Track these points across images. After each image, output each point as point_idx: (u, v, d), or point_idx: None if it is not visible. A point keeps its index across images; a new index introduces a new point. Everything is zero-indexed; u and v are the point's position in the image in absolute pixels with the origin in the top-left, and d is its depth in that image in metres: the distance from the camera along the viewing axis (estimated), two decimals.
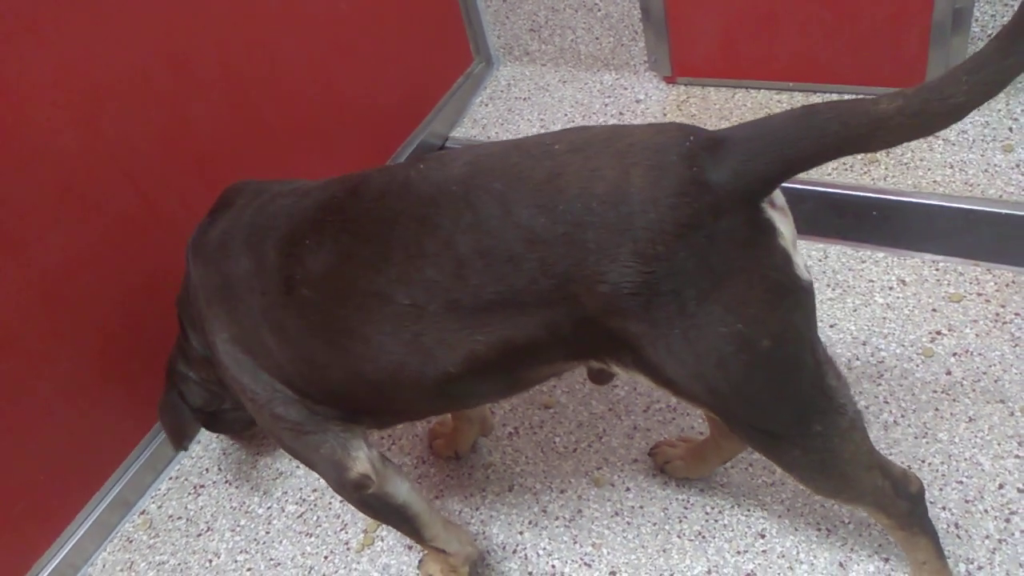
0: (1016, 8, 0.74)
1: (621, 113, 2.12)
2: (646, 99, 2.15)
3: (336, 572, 1.38)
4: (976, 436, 1.29)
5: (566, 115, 2.18)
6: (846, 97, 1.95)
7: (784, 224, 0.89)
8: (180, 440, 1.39)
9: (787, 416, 0.94)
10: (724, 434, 1.24)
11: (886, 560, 1.19)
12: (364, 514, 1.20)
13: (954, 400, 1.34)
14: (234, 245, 1.12)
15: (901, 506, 1.04)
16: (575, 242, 0.87)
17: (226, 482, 1.57)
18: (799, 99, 2.00)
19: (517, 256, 0.90)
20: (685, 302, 0.85)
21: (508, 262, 0.90)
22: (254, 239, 1.10)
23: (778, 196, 0.90)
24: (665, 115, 2.07)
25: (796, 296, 0.89)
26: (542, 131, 2.13)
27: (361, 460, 1.12)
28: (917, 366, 1.40)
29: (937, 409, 1.34)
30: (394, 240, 0.97)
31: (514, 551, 1.33)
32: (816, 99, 1.98)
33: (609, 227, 0.85)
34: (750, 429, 0.96)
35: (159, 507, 1.56)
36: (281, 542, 1.45)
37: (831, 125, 0.81)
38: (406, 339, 0.99)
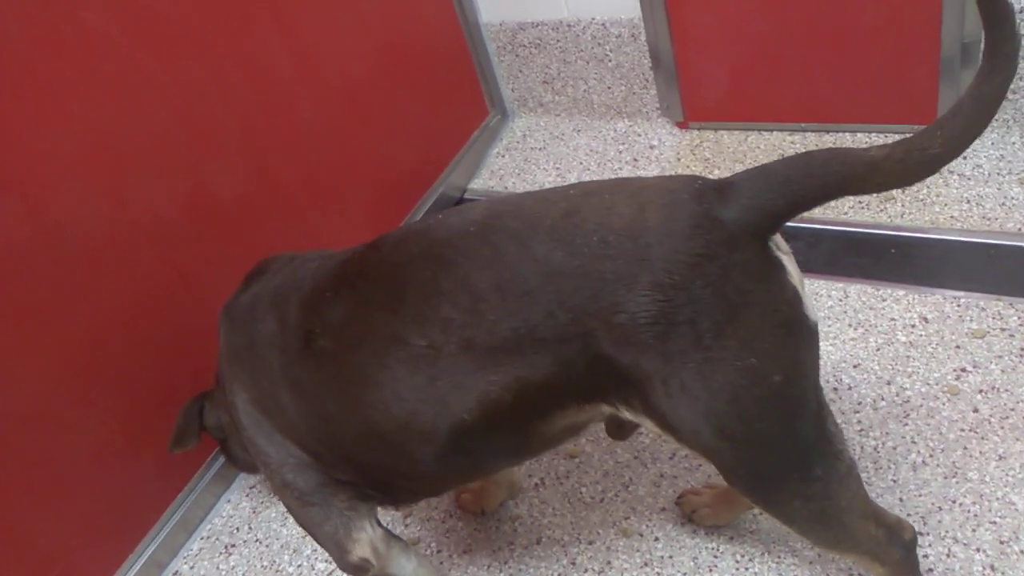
0: (975, 74, 0.81)
1: (635, 159, 2.15)
2: (660, 145, 2.18)
3: None
4: (1007, 474, 1.27)
5: (581, 163, 2.21)
6: (859, 135, 1.97)
7: (791, 264, 0.91)
8: (175, 444, 1.37)
9: (792, 458, 0.94)
10: None
11: None
12: None
13: (983, 438, 1.33)
14: (261, 307, 1.14)
15: (895, 554, 1.04)
16: (592, 274, 0.89)
17: (256, 541, 1.58)
18: (812, 139, 2.02)
19: (534, 289, 0.91)
20: (701, 334, 0.86)
21: (525, 296, 0.91)
22: (280, 300, 1.12)
23: (780, 241, 0.93)
24: (679, 160, 2.09)
25: (805, 334, 0.91)
26: (558, 180, 2.18)
27: (362, 543, 1.13)
28: (943, 404, 1.39)
29: (966, 448, 1.32)
30: (409, 280, 0.99)
31: None
32: (829, 139, 2.00)
33: (627, 258, 0.87)
34: (753, 478, 0.96)
35: (191, 568, 1.58)
36: None
37: (832, 165, 0.85)
38: (420, 384, 0.98)
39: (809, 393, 0.93)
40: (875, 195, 1.78)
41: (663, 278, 0.86)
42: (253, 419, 1.14)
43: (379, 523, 1.17)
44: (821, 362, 1.52)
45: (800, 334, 0.90)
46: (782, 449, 0.93)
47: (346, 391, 1.03)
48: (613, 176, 2.12)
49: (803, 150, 1.97)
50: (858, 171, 0.85)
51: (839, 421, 1.40)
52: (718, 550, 1.31)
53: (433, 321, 0.96)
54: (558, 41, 2.26)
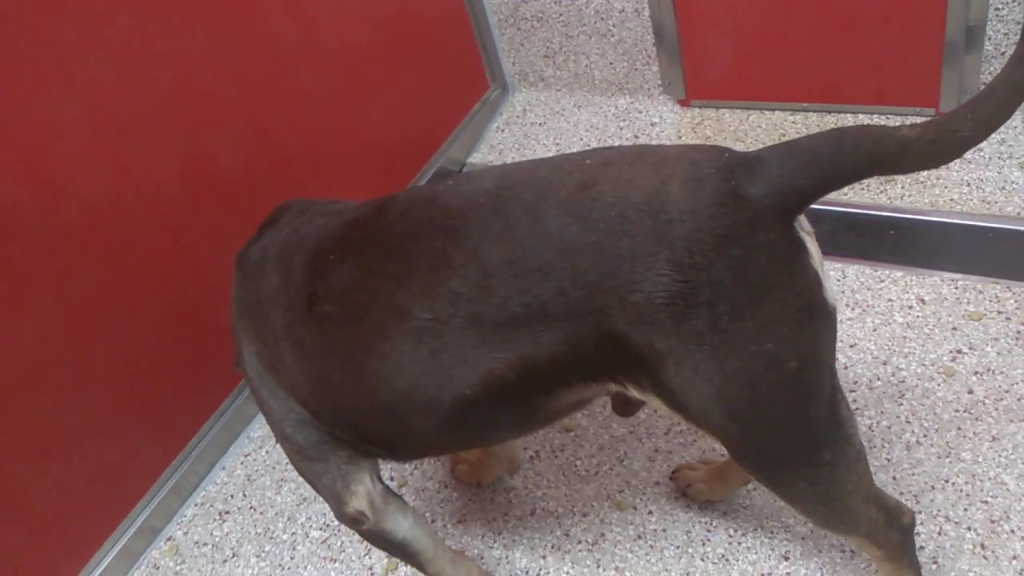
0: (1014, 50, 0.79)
1: (636, 136, 2.14)
2: (660, 122, 2.17)
3: None
4: (1000, 455, 1.28)
5: (581, 139, 2.20)
6: (861, 116, 1.96)
7: (813, 246, 0.89)
8: (236, 363, 1.30)
9: (802, 442, 0.93)
10: None
11: None
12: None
13: (977, 419, 1.34)
14: (268, 262, 1.13)
15: (893, 537, 1.05)
16: (609, 250, 0.86)
17: (251, 508, 1.59)
18: (814, 120, 2.01)
19: (547, 265, 0.89)
20: (719, 316, 0.84)
21: (537, 272, 0.89)
22: (285, 256, 1.11)
23: (804, 221, 0.91)
24: (680, 138, 2.09)
25: (824, 320, 0.89)
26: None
27: (359, 496, 1.13)
28: (938, 385, 1.40)
29: (960, 428, 1.33)
30: (418, 252, 0.96)
31: (537, 575, 1.34)
32: (831, 119, 1.99)
33: (646, 235, 0.84)
34: (760, 458, 0.95)
35: (185, 533, 1.58)
36: (306, 568, 1.46)
37: (864, 143, 0.83)
38: (423, 357, 0.97)
39: (824, 379, 0.91)
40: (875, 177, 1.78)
41: (683, 257, 0.83)
42: (257, 372, 1.13)
43: (379, 479, 1.17)
44: None
45: (819, 319, 0.88)
46: (793, 433, 0.92)
47: (348, 359, 1.02)
48: None
49: (805, 131, 1.98)
50: (891, 150, 0.83)
51: None
52: (711, 524, 1.32)
53: (441, 294, 0.94)
54: (560, 15, 2.24)
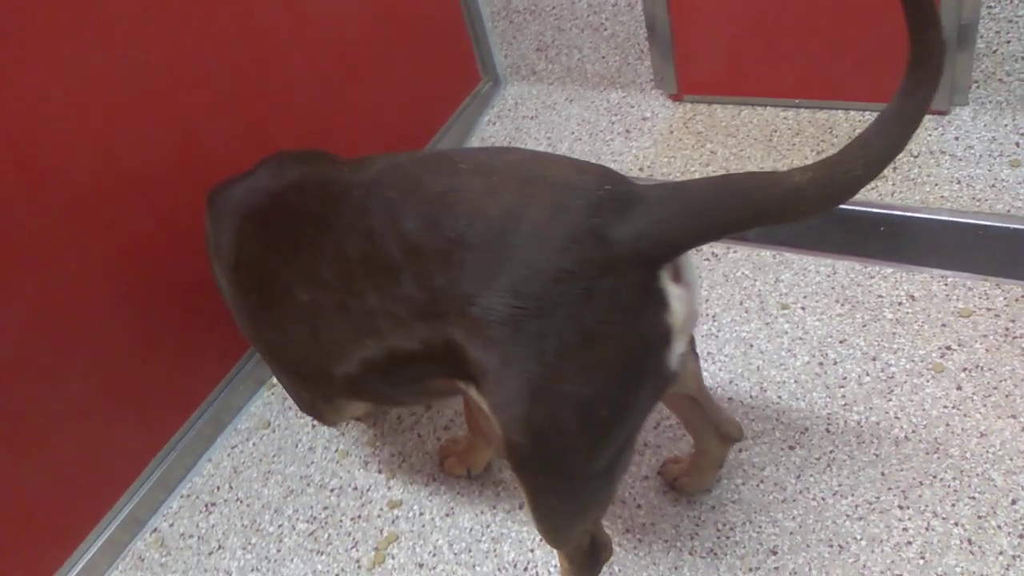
0: (897, 94, 0.79)
1: (628, 131, 2.14)
2: (652, 117, 2.16)
3: None
4: (988, 451, 1.29)
5: (573, 133, 2.20)
6: (852, 113, 1.96)
7: (679, 302, 0.86)
8: None
9: (577, 476, 0.94)
10: (704, 440, 1.27)
11: None
12: None
13: (965, 415, 1.34)
14: (224, 214, 1.23)
15: (587, 562, 1.12)
16: (453, 261, 0.86)
17: (237, 500, 1.58)
18: (805, 116, 2.01)
19: (397, 266, 0.91)
20: (544, 350, 0.82)
21: (388, 270, 0.92)
22: (230, 213, 1.22)
23: (688, 270, 0.89)
24: (672, 132, 2.08)
25: (654, 381, 0.88)
26: (549, 149, 2.16)
27: (306, 402, 1.37)
28: (927, 381, 1.40)
29: (948, 424, 1.33)
30: (301, 236, 1.05)
31: (525, 569, 1.33)
32: (823, 115, 1.99)
33: (489, 253, 0.84)
34: (534, 475, 0.95)
35: (171, 525, 1.57)
36: (292, 560, 1.45)
37: (751, 195, 0.81)
38: (306, 334, 1.06)
39: (627, 433, 0.91)
40: None
41: (520, 284, 0.82)
42: (229, 303, 1.26)
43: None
44: (808, 337, 1.53)
45: (649, 380, 0.87)
46: (575, 466, 0.92)
47: (260, 322, 1.15)
48: (606, 147, 2.11)
49: (797, 127, 1.98)
50: (779, 202, 0.80)
51: (823, 396, 1.42)
52: (700, 519, 1.32)
53: (316, 280, 1.01)
54: (553, 8, 2.23)
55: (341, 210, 0.99)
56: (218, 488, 1.61)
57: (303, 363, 1.10)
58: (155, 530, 1.57)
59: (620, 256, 0.82)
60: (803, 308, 1.57)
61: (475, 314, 0.85)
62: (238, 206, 1.20)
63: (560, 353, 0.82)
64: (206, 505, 1.59)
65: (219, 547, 1.51)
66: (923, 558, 1.19)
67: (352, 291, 0.97)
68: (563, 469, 0.93)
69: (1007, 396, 1.35)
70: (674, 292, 0.85)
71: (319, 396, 1.34)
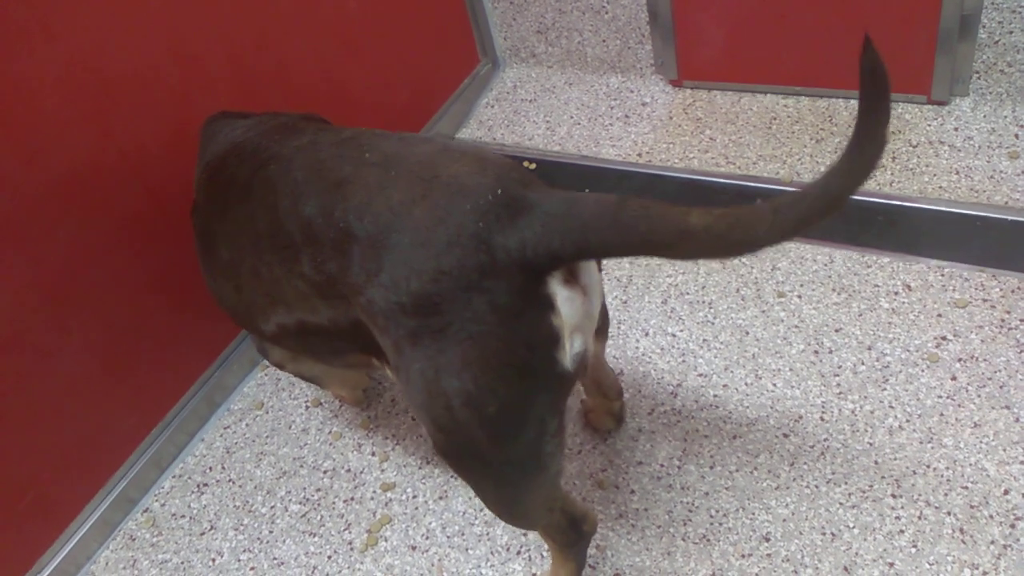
0: (850, 137, 0.75)
1: (627, 116, 2.13)
2: (652, 102, 2.15)
3: (340, 572, 1.38)
4: (981, 441, 1.29)
5: (572, 117, 2.18)
6: (852, 102, 1.95)
7: (569, 305, 0.87)
8: None
9: (492, 464, 0.95)
10: (591, 394, 1.40)
11: (891, 565, 1.19)
12: None
13: (959, 405, 1.34)
14: (201, 151, 1.31)
15: (570, 536, 1.13)
16: (342, 249, 0.90)
17: (229, 480, 1.57)
18: (806, 104, 2.00)
19: (296, 245, 0.96)
20: (426, 344, 0.85)
21: (289, 248, 0.97)
22: (202, 151, 1.30)
23: (589, 274, 0.89)
24: (671, 118, 2.07)
25: (546, 380, 0.89)
26: (548, 133, 2.15)
27: (275, 352, 1.39)
28: (922, 371, 1.40)
29: (942, 414, 1.34)
30: (229, 199, 1.10)
31: (518, 552, 1.33)
32: (823, 104, 1.99)
33: (375, 247, 0.87)
34: (457, 462, 0.98)
35: (162, 505, 1.56)
36: (284, 541, 1.45)
37: (639, 225, 0.79)
38: (231, 290, 1.13)
39: (530, 424, 0.91)
40: None
41: (400, 281, 0.85)
42: None
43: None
44: (803, 325, 1.53)
45: (539, 379, 0.88)
46: (488, 455, 0.93)
47: (204, 267, 1.23)
48: (605, 132, 2.10)
49: (796, 114, 1.97)
50: (666, 239, 0.78)
51: (818, 384, 1.42)
52: (693, 504, 1.32)
53: (235, 242, 1.08)
54: None
55: (254, 185, 1.04)
56: (210, 468, 1.61)
57: (234, 312, 1.19)
58: (147, 510, 1.56)
59: (501, 261, 0.83)
60: (799, 296, 1.57)
61: (363, 304, 0.89)
62: (208, 149, 1.26)
63: (440, 349, 0.85)
64: (198, 485, 1.58)
65: (211, 527, 1.50)
66: (915, 547, 1.20)
67: (262, 260, 1.02)
68: (476, 457, 0.94)
69: (1001, 387, 1.35)
70: (563, 295, 0.86)
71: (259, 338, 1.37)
